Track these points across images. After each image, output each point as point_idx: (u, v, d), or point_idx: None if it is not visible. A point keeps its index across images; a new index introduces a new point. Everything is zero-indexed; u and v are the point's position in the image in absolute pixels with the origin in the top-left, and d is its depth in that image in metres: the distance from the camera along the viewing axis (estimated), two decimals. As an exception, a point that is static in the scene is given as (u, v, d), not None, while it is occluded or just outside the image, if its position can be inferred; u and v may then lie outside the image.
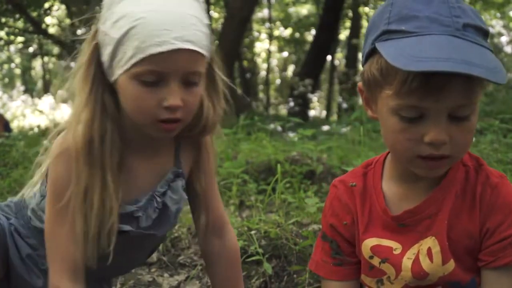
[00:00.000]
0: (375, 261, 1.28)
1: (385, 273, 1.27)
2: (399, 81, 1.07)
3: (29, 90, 24.47)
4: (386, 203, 1.26)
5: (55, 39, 14.43)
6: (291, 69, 22.21)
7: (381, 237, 1.27)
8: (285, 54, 21.72)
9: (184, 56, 1.22)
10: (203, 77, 1.30)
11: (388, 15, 1.11)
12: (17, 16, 12.80)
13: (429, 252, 1.21)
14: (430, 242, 1.21)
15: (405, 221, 1.24)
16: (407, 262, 1.23)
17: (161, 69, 1.21)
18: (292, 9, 19.10)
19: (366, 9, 15.59)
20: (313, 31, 17.11)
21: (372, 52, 1.13)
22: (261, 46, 20.46)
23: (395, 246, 1.25)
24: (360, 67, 1.71)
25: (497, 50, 14.52)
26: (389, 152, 1.31)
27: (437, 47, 1.03)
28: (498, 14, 16.57)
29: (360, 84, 1.23)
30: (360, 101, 1.12)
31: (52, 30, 15.32)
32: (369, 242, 1.28)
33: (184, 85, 1.24)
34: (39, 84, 25.37)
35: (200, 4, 1.30)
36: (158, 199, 1.41)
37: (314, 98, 14.51)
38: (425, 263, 1.21)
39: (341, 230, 1.33)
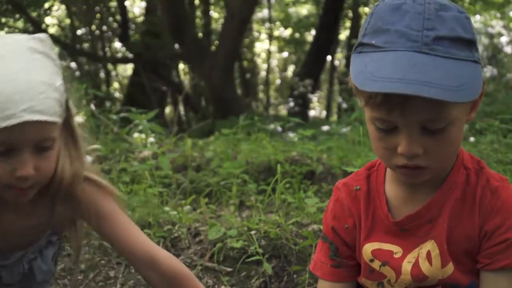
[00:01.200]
0: (376, 265, 1.28)
1: (385, 276, 1.27)
2: (365, 96, 1.09)
3: (29, 90, 24.43)
4: (388, 207, 1.27)
5: (55, 39, 14.43)
6: (291, 69, 22.17)
7: (383, 242, 1.27)
8: (285, 54, 21.67)
9: (34, 127, 1.19)
10: (58, 139, 1.28)
11: (366, 26, 1.13)
12: (17, 16, 12.79)
13: (429, 255, 1.22)
14: (429, 246, 1.22)
15: (406, 226, 1.24)
16: (407, 266, 1.24)
17: (10, 140, 1.18)
18: (292, 9, 19.08)
19: (366, 9, 15.57)
20: (313, 32, 17.08)
21: None
22: (261, 46, 20.43)
23: (396, 250, 1.25)
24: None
25: (497, 50, 14.51)
26: None
27: (394, 66, 1.03)
28: (498, 14, 16.56)
29: None
30: (360, 101, 1.13)
31: (52, 30, 15.30)
32: (370, 246, 1.28)
33: (37, 152, 1.23)
34: (39, 84, 25.34)
35: (53, 61, 1.27)
36: (26, 265, 1.38)
37: (314, 98, 14.48)
38: (424, 267, 1.22)
39: (341, 234, 1.33)
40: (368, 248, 1.29)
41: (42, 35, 1.29)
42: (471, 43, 1.09)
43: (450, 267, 1.21)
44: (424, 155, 1.09)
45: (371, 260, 1.29)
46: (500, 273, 1.18)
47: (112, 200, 1.47)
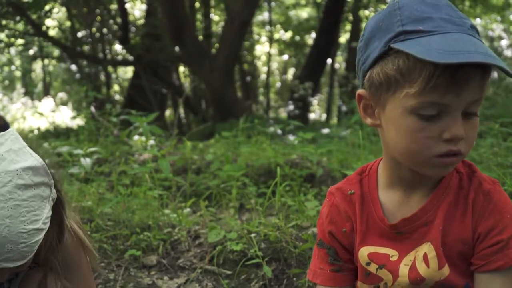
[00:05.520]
0: (372, 268, 1.28)
1: (382, 279, 1.28)
2: (425, 77, 1.07)
3: (29, 92, 24.47)
4: (383, 211, 1.27)
5: (55, 42, 14.46)
6: (291, 72, 22.20)
7: (378, 245, 1.28)
8: (285, 57, 21.71)
9: (11, 269, 1.25)
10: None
11: (399, 18, 1.12)
12: (18, 18, 12.81)
13: (425, 257, 1.22)
14: (426, 248, 1.22)
15: (402, 229, 1.25)
16: (404, 269, 1.24)
17: None
18: (292, 12, 19.10)
19: (367, 12, 15.60)
20: (313, 34, 17.11)
21: (384, 55, 1.13)
22: (261, 49, 20.46)
23: (392, 253, 1.26)
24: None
25: (497, 53, 14.52)
26: (381, 159, 1.31)
27: (462, 42, 1.06)
28: (498, 18, 16.59)
29: (361, 91, 1.22)
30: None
31: (52, 33, 15.32)
32: (366, 250, 1.29)
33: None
34: (39, 86, 25.38)
35: (45, 186, 1.26)
36: (6, 284, 1.43)
37: (314, 101, 14.51)
38: (421, 269, 1.23)
39: (340, 238, 1.34)
40: (364, 252, 1.29)
41: (37, 162, 1.26)
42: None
43: (447, 269, 1.22)
44: (463, 140, 1.12)
45: (368, 264, 1.29)
46: (494, 274, 1.19)
47: (86, 260, 1.52)
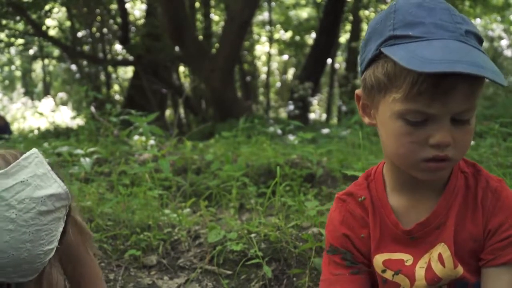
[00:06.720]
0: (388, 275, 1.28)
1: (399, 285, 1.28)
2: (409, 84, 1.07)
3: (30, 92, 24.49)
4: (396, 216, 1.27)
5: (55, 42, 14.46)
6: (291, 72, 22.21)
7: (392, 251, 1.28)
8: (285, 57, 21.72)
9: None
10: None
11: (392, 22, 1.13)
12: (18, 18, 12.81)
13: (440, 257, 1.23)
14: (440, 248, 1.23)
15: (416, 234, 1.25)
16: (420, 271, 1.25)
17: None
18: (292, 12, 19.10)
19: (367, 12, 15.60)
20: (314, 34, 17.11)
21: (376, 58, 1.14)
22: (262, 49, 20.47)
23: (406, 258, 1.27)
24: (360, 70, 1.64)
25: (497, 53, 14.53)
26: (385, 162, 1.31)
27: (447, 50, 1.05)
28: (498, 18, 16.59)
29: (358, 90, 1.24)
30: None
31: (52, 32, 15.32)
32: (380, 257, 1.29)
33: None
34: (40, 86, 25.39)
35: (64, 208, 1.29)
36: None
37: (314, 101, 14.52)
38: (437, 269, 1.23)
39: (357, 243, 1.32)
40: (379, 259, 1.29)
41: (61, 189, 1.27)
42: (482, 42, 1.14)
43: (461, 268, 1.23)
44: (452, 145, 1.11)
45: (383, 271, 1.29)
46: (503, 268, 1.21)
47: (88, 247, 1.55)
